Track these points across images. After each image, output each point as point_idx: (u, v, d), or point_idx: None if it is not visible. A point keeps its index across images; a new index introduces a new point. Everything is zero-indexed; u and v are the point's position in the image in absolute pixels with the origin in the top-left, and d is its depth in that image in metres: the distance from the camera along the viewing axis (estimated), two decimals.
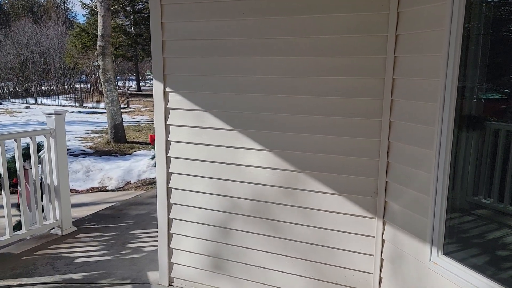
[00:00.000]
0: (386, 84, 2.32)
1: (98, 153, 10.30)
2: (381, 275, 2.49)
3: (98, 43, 10.99)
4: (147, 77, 42.40)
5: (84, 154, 10.09)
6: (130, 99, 23.94)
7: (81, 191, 7.09)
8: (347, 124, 2.46)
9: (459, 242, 2.13)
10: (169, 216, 3.04)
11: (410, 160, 2.24)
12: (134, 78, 35.40)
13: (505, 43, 2.04)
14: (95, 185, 7.47)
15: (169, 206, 3.03)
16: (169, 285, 3.11)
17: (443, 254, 2.06)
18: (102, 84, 11.55)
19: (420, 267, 2.16)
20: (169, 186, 3.00)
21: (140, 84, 35.24)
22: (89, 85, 29.42)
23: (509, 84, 2.06)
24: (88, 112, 20.04)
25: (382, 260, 2.49)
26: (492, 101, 2.18)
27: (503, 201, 2.00)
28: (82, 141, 11.91)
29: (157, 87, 2.90)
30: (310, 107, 2.54)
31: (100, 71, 11.30)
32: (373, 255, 2.50)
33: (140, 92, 31.51)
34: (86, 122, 16.54)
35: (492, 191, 2.04)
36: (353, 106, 2.43)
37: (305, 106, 2.55)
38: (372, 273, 2.52)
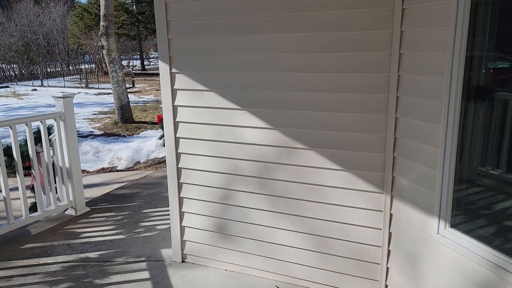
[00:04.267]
0: (393, 59, 2.31)
1: (107, 134, 10.39)
2: (389, 248, 2.54)
3: (101, 23, 10.90)
4: (151, 56, 42.12)
5: (92, 135, 10.19)
6: (135, 78, 23.89)
7: (92, 172, 7.21)
8: (354, 100, 2.46)
9: (467, 214, 2.16)
10: (180, 195, 3.10)
11: (417, 135, 2.25)
12: (138, 57, 35.18)
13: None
14: (105, 165, 7.58)
15: (180, 186, 3.09)
16: (182, 261, 3.21)
17: (451, 226, 2.10)
18: (107, 64, 11.52)
19: (428, 240, 2.20)
20: (179, 166, 3.05)
21: (144, 63, 35.05)
22: (93, 66, 29.34)
23: None
24: (94, 93, 20.08)
25: (390, 233, 2.53)
26: (501, 71, 2.16)
27: (511, 171, 2.01)
28: (90, 122, 12.00)
29: (163, 68, 2.91)
30: (316, 84, 2.54)
31: (104, 51, 11.25)
32: (381, 229, 2.55)
33: (145, 71, 31.39)
34: (92, 103, 16.61)
35: (500, 162, 2.05)
36: (360, 82, 2.43)
37: (311, 83, 2.55)
38: (380, 247, 2.57)
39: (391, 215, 2.51)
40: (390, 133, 2.41)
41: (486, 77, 2.11)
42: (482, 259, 1.88)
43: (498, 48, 2.10)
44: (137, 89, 21.22)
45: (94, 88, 21.92)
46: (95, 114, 13.70)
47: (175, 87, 2.92)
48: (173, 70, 2.89)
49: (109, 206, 4.45)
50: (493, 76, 2.16)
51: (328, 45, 2.45)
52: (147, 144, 8.47)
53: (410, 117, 2.29)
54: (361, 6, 2.32)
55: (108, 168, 7.45)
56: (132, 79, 22.95)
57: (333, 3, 2.38)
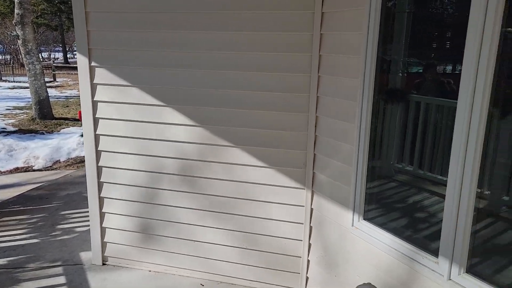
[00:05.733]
0: (313, 60, 2.41)
1: (22, 131, 9.59)
2: (310, 242, 2.65)
3: (16, 11, 10.02)
4: (75, 49, 39.68)
5: (5, 132, 9.34)
6: (56, 72, 22.32)
7: (4, 172, 6.61)
8: (278, 99, 2.53)
9: (380, 208, 2.32)
10: (100, 195, 2.96)
11: (335, 133, 2.37)
12: (61, 49, 32.95)
13: (427, 19, 2.19)
14: (20, 165, 6.99)
15: (100, 185, 2.95)
16: (103, 264, 3.07)
17: (364, 219, 2.24)
18: (23, 56, 10.64)
19: (343, 232, 2.33)
20: (99, 165, 2.91)
21: (68, 56, 32.90)
22: (8, 57, 26.92)
23: (429, 59, 2.24)
24: (8, 87, 18.42)
25: (311, 227, 2.64)
26: (416, 75, 2.35)
27: (423, 168, 2.20)
28: (3, 118, 10.99)
29: (82, 61, 2.75)
30: (242, 83, 2.56)
31: (19, 42, 10.37)
32: (302, 224, 2.65)
33: (68, 65, 29.44)
34: (6, 97, 15.22)
35: (414, 159, 2.23)
36: (284, 81, 2.50)
37: (237, 81, 2.57)
38: (302, 240, 2.67)
39: (311, 209, 2.61)
40: (311, 132, 2.51)
41: (402, 80, 2.29)
42: (392, 249, 2.02)
43: (414, 54, 2.29)
44: (58, 83, 19.84)
45: (9, 81, 20.10)
46: (9, 109, 12.57)
47: (95, 81, 2.78)
48: (93, 64, 2.75)
49: (22, 208, 4.12)
50: (409, 80, 2.35)
51: (253, 44, 2.49)
52: (68, 142, 7.96)
53: (329, 116, 2.41)
54: (285, 8, 2.39)
55: (23, 167, 6.87)
56: (53, 72, 21.41)
57: (259, 4, 2.42)
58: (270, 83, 2.52)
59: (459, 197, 1.67)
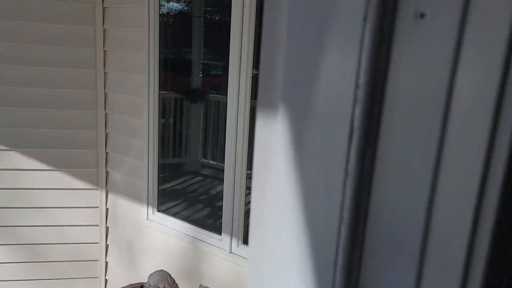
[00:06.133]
0: (98, 55, 2.34)
1: None
2: (107, 242, 2.58)
3: None
4: None
5: None
6: None
7: None
8: (62, 96, 2.37)
9: (177, 200, 2.44)
10: None
11: (126, 130, 2.37)
12: None
13: (220, 24, 2.40)
14: None
15: None
16: None
17: (158, 211, 2.32)
18: None
19: (139, 226, 2.36)
20: None
21: None
22: None
23: (226, 61, 2.47)
24: None
25: (107, 228, 2.57)
26: (214, 76, 2.54)
27: (223, 162, 2.41)
28: None
29: None
30: (20, 78, 2.29)
31: None
32: (98, 225, 2.55)
33: None
34: None
35: (216, 154, 2.42)
36: (68, 77, 2.35)
37: (14, 76, 2.28)
38: (98, 243, 2.57)
39: (107, 209, 2.54)
40: (101, 129, 2.44)
41: (202, 81, 2.44)
42: (184, 235, 2.16)
43: (213, 58, 2.47)
44: None
45: None
46: None
47: None
48: None
49: None
50: (208, 80, 2.53)
51: (31, 35, 2.25)
52: None
53: (119, 113, 2.39)
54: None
55: None
56: None
57: None
58: (53, 79, 2.33)
59: (233, 181, 1.91)
